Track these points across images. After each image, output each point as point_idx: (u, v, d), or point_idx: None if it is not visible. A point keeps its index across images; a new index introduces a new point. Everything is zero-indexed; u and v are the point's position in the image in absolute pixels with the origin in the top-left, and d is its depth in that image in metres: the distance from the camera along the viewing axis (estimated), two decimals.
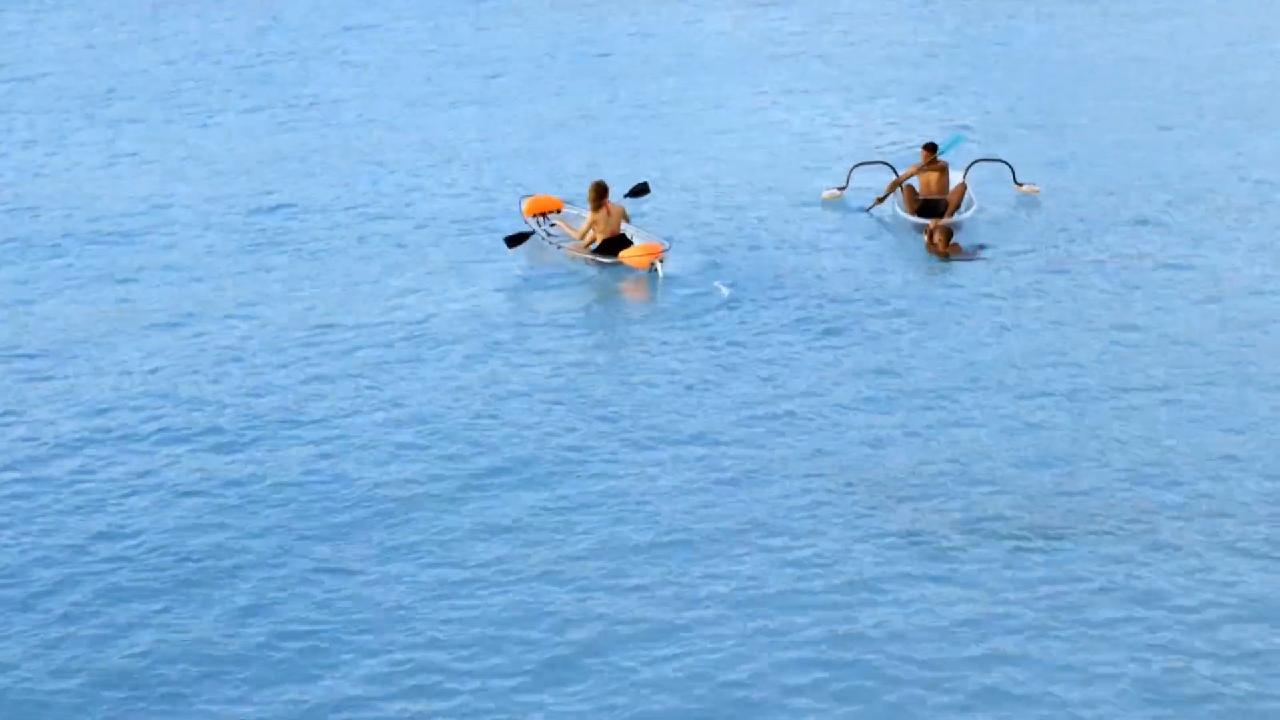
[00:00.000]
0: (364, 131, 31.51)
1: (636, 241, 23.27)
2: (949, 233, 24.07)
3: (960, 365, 20.04)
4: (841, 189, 26.89)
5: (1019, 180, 27.02)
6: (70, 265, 23.86)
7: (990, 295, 22.44)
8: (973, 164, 27.16)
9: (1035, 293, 22.50)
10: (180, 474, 17.27)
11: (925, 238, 24.24)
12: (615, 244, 23.21)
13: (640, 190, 24.94)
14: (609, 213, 23.28)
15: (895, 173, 26.49)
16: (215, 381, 19.67)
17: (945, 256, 23.75)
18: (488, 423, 18.42)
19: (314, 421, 18.51)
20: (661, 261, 22.61)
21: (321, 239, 24.98)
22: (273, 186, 27.78)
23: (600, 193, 23.23)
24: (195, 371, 19.96)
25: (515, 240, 23.30)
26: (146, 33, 40.68)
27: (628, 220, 23.56)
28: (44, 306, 22.23)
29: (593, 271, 23.16)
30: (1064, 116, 32.29)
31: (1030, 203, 26.56)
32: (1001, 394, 19.18)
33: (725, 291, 22.11)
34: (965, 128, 30.73)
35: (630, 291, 22.57)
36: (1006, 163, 27.30)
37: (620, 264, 22.89)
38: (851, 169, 27.22)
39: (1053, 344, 20.66)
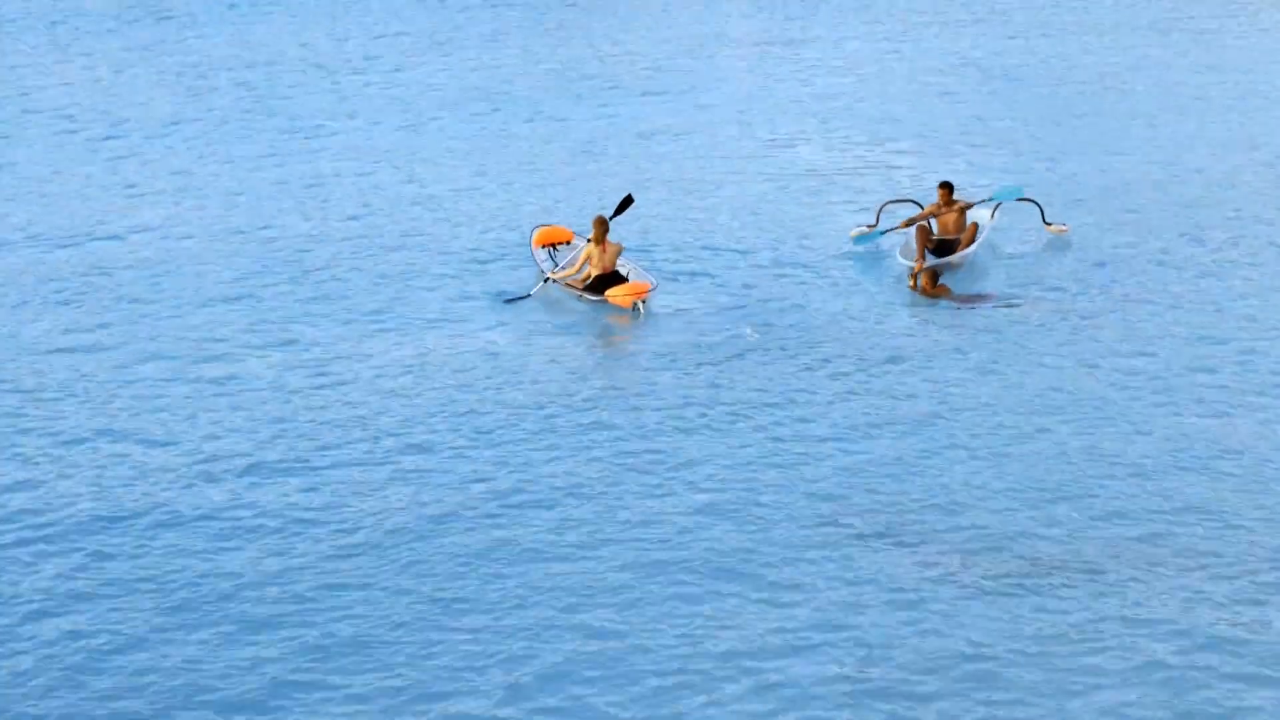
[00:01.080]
0: (370, 162, 32.04)
1: (632, 279, 23.45)
2: (935, 274, 23.94)
3: (950, 406, 19.97)
4: (871, 226, 26.82)
5: (1048, 220, 26.75)
6: (66, 296, 24.30)
7: (986, 336, 22.34)
8: (1001, 202, 26.95)
9: (1037, 334, 22.34)
10: (180, 505, 17.56)
11: (910, 280, 24.10)
12: (609, 280, 23.40)
13: (625, 204, 25.01)
14: (605, 250, 23.49)
15: (922, 209, 26.36)
16: (215, 412, 20.04)
17: (935, 298, 23.59)
18: (478, 452, 18.69)
19: (311, 450, 18.83)
20: (644, 302, 22.78)
21: (322, 270, 25.40)
22: (274, 218, 28.26)
23: (603, 228, 23.48)
24: (197, 402, 20.34)
25: (514, 300, 23.64)
26: (152, 62, 41.59)
27: (620, 252, 23.73)
28: (39, 339, 22.69)
29: (580, 306, 23.38)
30: (1094, 153, 31.97)
31: (1058, 243, 26.27)
32: (993, 433, 19.16)
33: (754, 335, 22.15)
34: (976, 165, 30.67)
35: (616, 328, 22.76)
36: (1035, 202, 27.03)
37: (605, 301, 23.09)
38: (881, 207, 27.17)
39: (1048, 386, 20.55)
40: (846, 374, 20.93)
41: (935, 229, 25.82)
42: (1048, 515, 17.13)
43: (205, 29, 46.30)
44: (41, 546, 16.69)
